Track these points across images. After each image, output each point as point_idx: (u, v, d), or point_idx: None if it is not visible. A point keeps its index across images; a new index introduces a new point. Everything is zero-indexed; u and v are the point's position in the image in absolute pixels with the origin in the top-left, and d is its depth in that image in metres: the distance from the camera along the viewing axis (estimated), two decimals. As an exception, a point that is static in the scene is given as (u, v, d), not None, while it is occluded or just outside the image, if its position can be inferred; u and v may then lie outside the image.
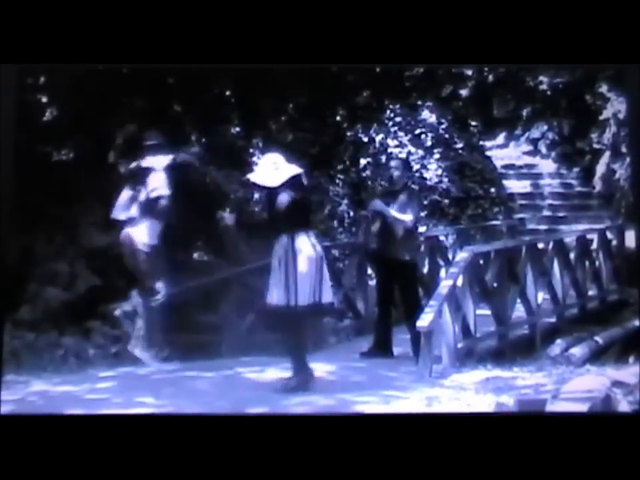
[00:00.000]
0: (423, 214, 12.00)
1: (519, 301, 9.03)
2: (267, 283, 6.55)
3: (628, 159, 11.27)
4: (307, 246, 6.50)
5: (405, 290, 8.16)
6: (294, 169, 6.58)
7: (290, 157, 6.71)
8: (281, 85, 9.92)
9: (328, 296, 6.62)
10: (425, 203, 12.35)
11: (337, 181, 12.14)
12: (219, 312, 8.55)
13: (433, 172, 12.75)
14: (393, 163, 8.59)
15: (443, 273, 9.73)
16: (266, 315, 6.71)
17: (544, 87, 13.72)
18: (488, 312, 8.52)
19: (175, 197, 8.20)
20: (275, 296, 6.47)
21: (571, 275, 10.05)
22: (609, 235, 11.16)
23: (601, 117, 12.75)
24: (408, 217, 8.07)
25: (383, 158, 12.39)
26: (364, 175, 12.36)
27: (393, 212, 8.06)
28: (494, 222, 12.72)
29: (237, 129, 10.90)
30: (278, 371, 6.91)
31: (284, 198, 6.47)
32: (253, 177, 6.67)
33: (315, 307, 6.51)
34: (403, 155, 12.53)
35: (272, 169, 6.52)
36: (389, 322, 8.20)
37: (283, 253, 6.47)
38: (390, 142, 12.70)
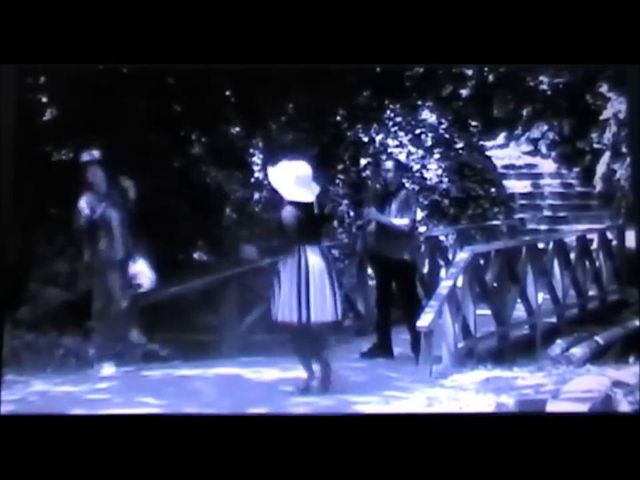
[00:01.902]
0: (423, 214, 12.06)
1: (519, 301, 9.03)
2: (274, 298, 6.39)
3: (628, 159, 11.26)
4: (318, 261, 6.36)
5: (403, 290, 8.15)
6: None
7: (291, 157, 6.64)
8: (280, 85, 9.91)
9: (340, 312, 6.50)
10: (425, 202, 12.38)
11: (337, 181, 12.13)
12: (218, 312, 8.55)
13: (433, 172, 12.76)
14: (386, 165, 8.39)
15: (443, 273, 9.73)
16: (279, 330, 6.61)
17: (544, 86, 13.72)
18: (488, 312, 8.51)
19: (175, 197, 8.15)
20: (286, 313, 6.31)
21: (571, 275, 10.05)
22: (609, 235, 11.17)
23: (601, 117, 12.75)
24: (404, 222, 8.02)
25: (383, 158, 12.39)
26: (364, 174, 12.36)
27: (391, 219, 8.02)
28: (494, 222, 12.72)
29: (237, 128, 10.88)
30: (278, 371, 6.90)
31: (296, 211, 6.36)
32: (290, 196, 6.34)
33: (334, 325, 6.46)
34: (403, 156, 12.55)
35: (301, 183, 6.37)
36: (388, 322, 8.19)
37: (296, 267, 6.32)
38: (390, 142, 12.71)
